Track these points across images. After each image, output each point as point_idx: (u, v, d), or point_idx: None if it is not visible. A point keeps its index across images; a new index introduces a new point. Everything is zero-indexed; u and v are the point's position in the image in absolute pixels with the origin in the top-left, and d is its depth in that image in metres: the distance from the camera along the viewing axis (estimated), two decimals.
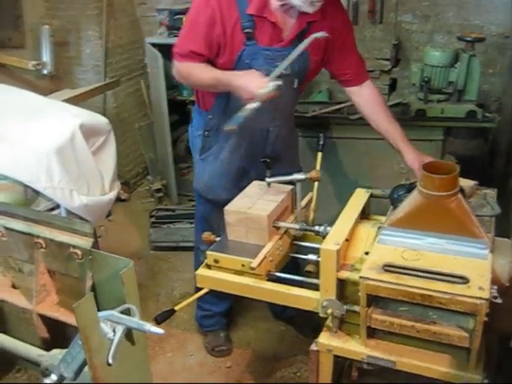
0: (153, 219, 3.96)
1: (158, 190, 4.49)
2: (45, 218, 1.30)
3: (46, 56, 4.13)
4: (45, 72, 4.13)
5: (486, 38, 3.78)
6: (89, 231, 1.21)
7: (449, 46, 3.73)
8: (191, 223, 3.78)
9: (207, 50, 2.33)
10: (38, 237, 1.31)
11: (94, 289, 1.10)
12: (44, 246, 1.32)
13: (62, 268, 1.31)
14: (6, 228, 1.36)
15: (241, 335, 3.05)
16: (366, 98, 2.55)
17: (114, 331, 1.04)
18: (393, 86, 4.30)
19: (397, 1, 3.96)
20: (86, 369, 1.05)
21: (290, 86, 2.43)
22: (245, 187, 2.39)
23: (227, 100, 2.43)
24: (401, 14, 4.05)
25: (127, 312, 1.07)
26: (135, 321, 1.05)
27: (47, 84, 4.26)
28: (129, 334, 1.09)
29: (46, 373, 1.10)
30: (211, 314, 2.96)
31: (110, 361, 1.02)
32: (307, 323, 2.92)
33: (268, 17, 2.28)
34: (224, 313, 3.01)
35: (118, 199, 4.19)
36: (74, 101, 3.37)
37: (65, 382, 1.01)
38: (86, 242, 1.21)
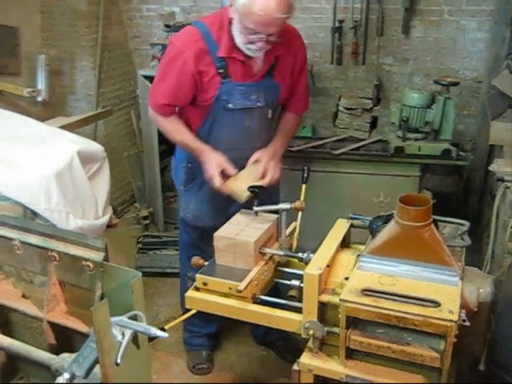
0: (139, 245, 4.05)
1: (145, 218, 4.58)
2: (59, 234, 1.42)
3: (41, 84, 4.26)
4: (39, 99, 4.25)
5: (461, 82, 4.02)
6: (101, 246, 1.33)
7: (426, 87, 3.96)
8: (177, 250, 3.88)
9: (178, 101, 2.54)
10: (53, 250, 1.43)
11: (102, 298, 1.22)
12: (57, 258, 1.43)
13: (73, 279, 1.43)
14: (22, 242, 1.48)
15: (223, 358, 3.14)
16: (285, 120, 2.78)
17: (122, 335, 1.16)
18: (374, 123, 4.52)
19: (378, 44, 4.19)
20: (95, 370, 1.16)
21: (265, 116, 2.62)
22: (231, 214, 2.53)
23: (208, 133, 2.60)
24: (382, 57, 4.28)
25: (134, 318, 1.20)
26: (142, 325, 1.17)
27: (40, 111, 4.38)
28: (135, 339, 1.21)
29: (56, 374, 1.21)
30: (200, 334, 3.06)
31: (119, 361, 1.14)
32: (288, 348, 3.03)
33: (237, 56, 2.45)
34: (212, 334, 3.10)
35: (107, 225, 4.31)
36: (67, 128, 3.48)
37: (76, 380, 1.12)
38: (97, 256, 1.33)
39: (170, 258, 3.86)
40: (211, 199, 2.71)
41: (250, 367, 3.08)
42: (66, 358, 1.24)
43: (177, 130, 2.59)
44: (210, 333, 3.09)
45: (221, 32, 2.43)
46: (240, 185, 2.43)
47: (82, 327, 1.17)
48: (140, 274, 1.20)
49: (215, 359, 3.12)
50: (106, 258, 1.31)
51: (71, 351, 1.29)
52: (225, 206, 2.70)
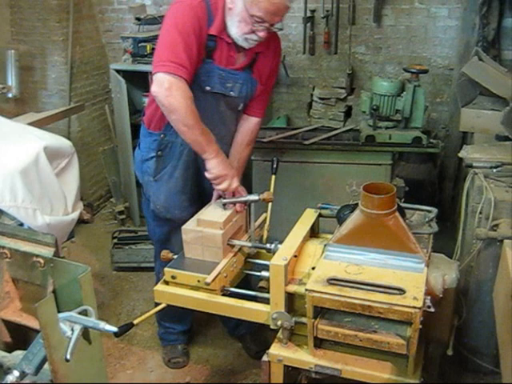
0: (115, 240, 4.03)
1: (121, 212, 4.56)
2: (10, 230, 1.41)
3: (12, 80, 4.21)
4: (10, 95, 4.21)
5: (433, 70, 4.05)
6: (50, 241, 1.32)
7: (399, 76, 3.97)
8: (153, 244, 3.87)
9: (188, 56, 2.25)
10: (4, 247, 1.41)
11: (54, 294, 1.21)
12: (9, 255, 1.42)
13: (25, 276, 1.41)
14: None
15: (200, 352, 3.14)
16: (244, 128, 2.69)
17: (72, 330, 1.15)
18: (348, 112, 4.52)
19: (350, 33, 4.19)
20: (46, 366, 1.15)
21: (235, 107, 2.58)
22: (202, 204, 2.53)
23: None
24: (354, 46, 4.29)
25: (84, 313, 1.19)
26: (91, 320, 1.17)
27: (12, 107, 4.34)
28: (86, 334, 1.20)
29: (8, 372, 1.20)
30: (174, 331, 3.05)
31: (68, 357, 1.13)
32: (254, 342, 3.06)
33: (225, 38, 2.39)
34: (185, 331, 3.09)
35: (81, 221, 4.29)
36: (38, 124, 3.45)
37: (26, 378, 1.11)
38: (48, 252, 1.32)
39: (146, 253, 3.84)
40: (181, 188, 2.65)
41: (226, 359, 3.09)
42: (19, 355, 1.23)
43: (193, 117, 2.26)
44: (184, 330, 3.08)
45: (217, 9, 2.35)
46: (213, 216, 2.33)
47: (36, 324, 1.15)
48: (89, 269, 1.19)
49: (191, 352, 3.12)
50: (56, 254, 1.30)
51: (27, 348, 1.28)
52: (195, 196, 2.67)
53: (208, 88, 2.45)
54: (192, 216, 2.58)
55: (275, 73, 2.71)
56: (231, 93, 2.50)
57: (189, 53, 2.25)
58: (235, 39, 2.38)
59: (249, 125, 2.68)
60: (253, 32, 2.32)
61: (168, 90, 2.19)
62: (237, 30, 2.34)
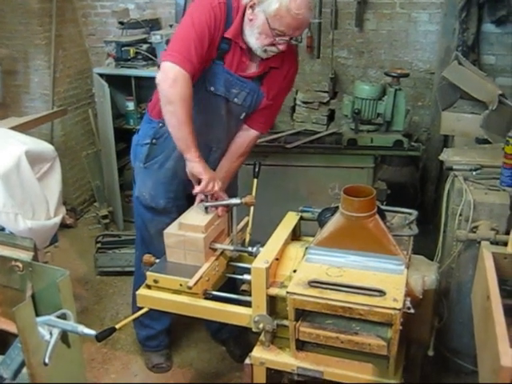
0: (99, 245, 4.01)
1: (105, 217, 4.54)
2: None
3: None
4: None
5: (414, 74, 4.09)
6: (29, 245, 1.32)
7: (381, 80, 4.01)
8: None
9: (198, 56, 2.28)
10: None
11: (33, 298, 1.21)
12: None
13: (3, 280, 1.41)
14: None
15: (183, 355, 3.14)
16: (240, 139, 2.69)
17: (50, 334, 1.16)
18: (331, 116, 4.54)
19: (333, 37, 4.22)
20: (24, 370, 1.15)
21: (237, 115, 2.58)
22: (185, 199, 2.56)
23: None
24: (337, 50, 4.32)
25: (63, 317, 1.19)
26: (70, 324, 1.17)
27: None
28: (65, 338, 1.21)
29: None
30: (154, 332, 3.00)
31: (47, 361, 1.13)
32: (237, 346, 3.06)
33: (239, 43, 2.40)
34: (166, 330, 3.06)
35: (65, 225, 4.27)
36: (20, 128, 3.43)
37: (4, 382, 1.11)
38: (26, 256, 1.32)
39: (130, 257, 3.82)
40: (170, 180, 2.65)
41: (209, 363, 3.09)
42: None
43: (186, 118, 2.25)
44: (164, 329, 3.04)
45: (237, 13, 2.36)
46: (195, 220, 2.32)
47: (15, 328, 1.15)
48: (67, 273, 1.19)
49: (175, 355, 3.11)
50: (35, 258, 1.30)
51: (6, 352, 1.27)
52: (181, 190, 2.66)
53: (212, 89, 2.45)
54: (175, 207, 2.65)
55: (285, 92, 2.70)
56: (235, 99, 2.50)
57: (199, 50, 2.28)
58: (254, 49, 2.39)
59: (246, 136, 2.68)
60: (273, 45, 2.35)
61: (172, 80, 2.22)
62: (256, 41, 2.36)
